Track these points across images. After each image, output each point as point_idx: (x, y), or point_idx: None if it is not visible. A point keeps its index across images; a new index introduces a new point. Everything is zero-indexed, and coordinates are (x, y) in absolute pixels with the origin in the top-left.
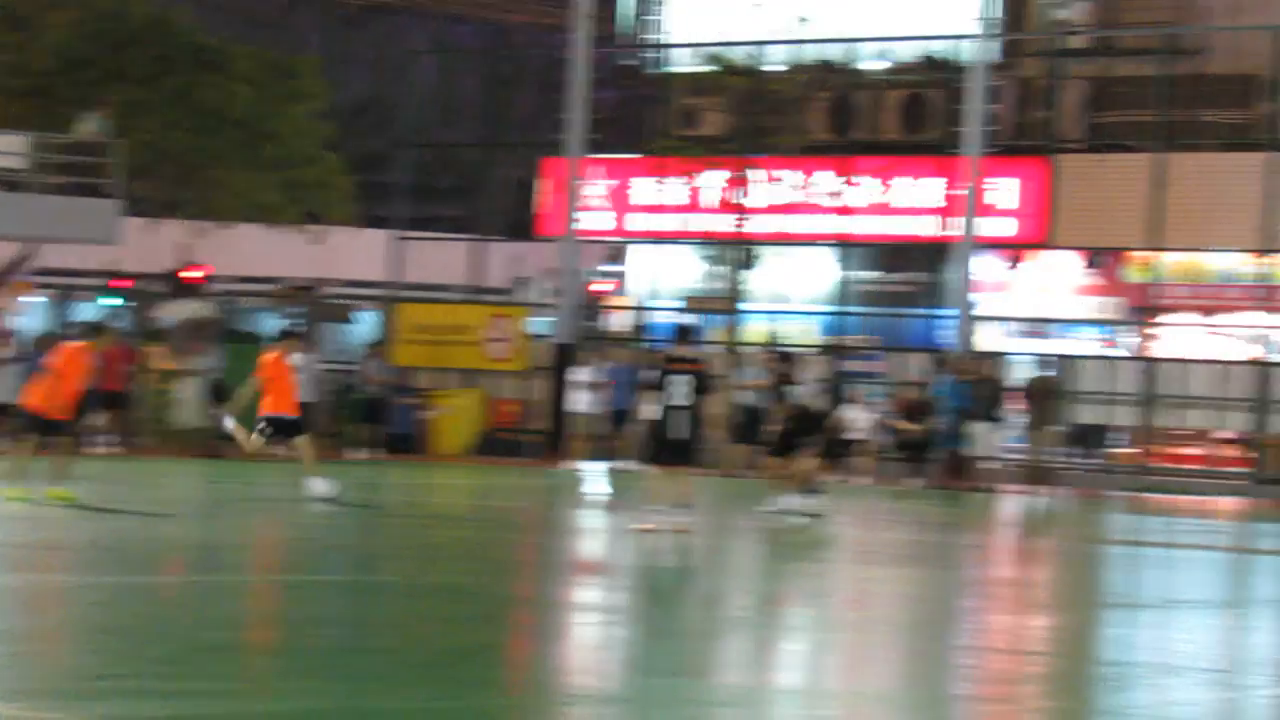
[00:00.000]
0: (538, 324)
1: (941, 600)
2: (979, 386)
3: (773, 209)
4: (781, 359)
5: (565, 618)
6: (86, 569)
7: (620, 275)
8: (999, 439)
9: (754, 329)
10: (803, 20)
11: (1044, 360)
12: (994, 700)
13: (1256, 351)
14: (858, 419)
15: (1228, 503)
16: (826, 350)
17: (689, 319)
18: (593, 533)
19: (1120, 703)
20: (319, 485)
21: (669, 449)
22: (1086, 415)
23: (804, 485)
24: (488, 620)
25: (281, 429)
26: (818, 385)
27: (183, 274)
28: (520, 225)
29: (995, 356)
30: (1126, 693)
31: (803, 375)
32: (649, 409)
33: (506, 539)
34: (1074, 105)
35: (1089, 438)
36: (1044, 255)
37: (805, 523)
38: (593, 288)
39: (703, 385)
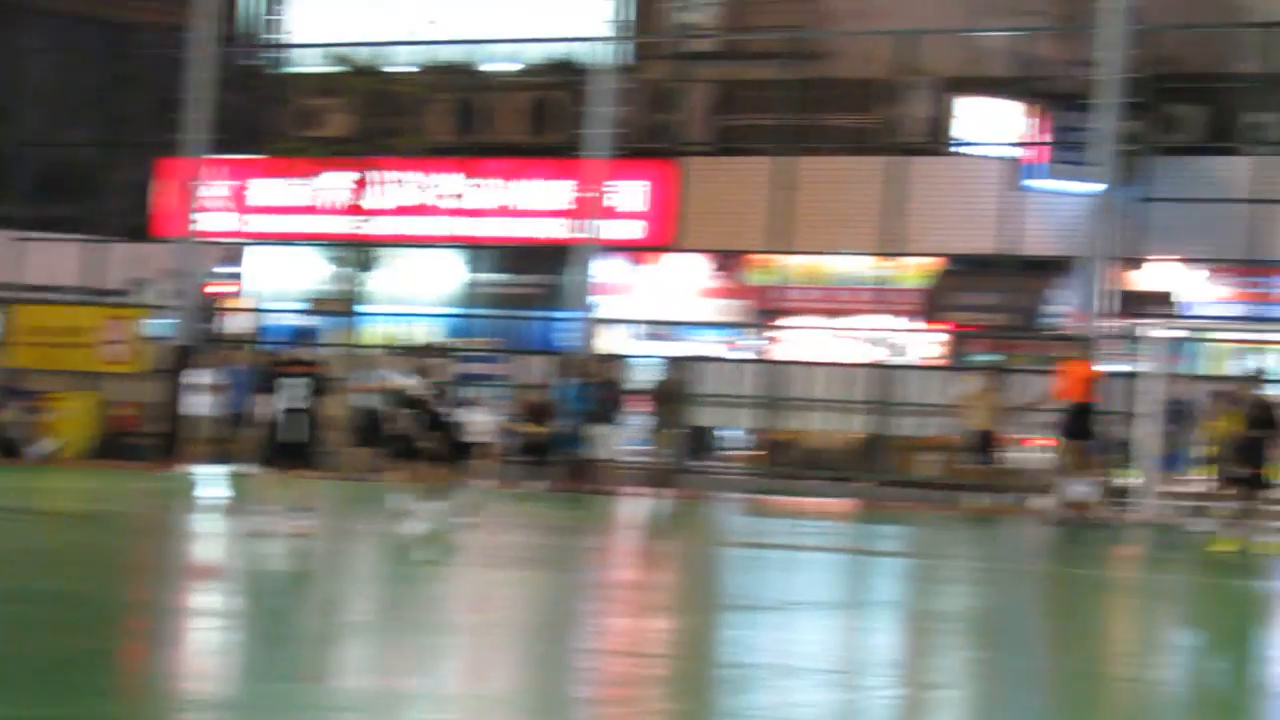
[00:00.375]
0: (156, 326)
1: (562, 603)
2: (600, 389)
3: (397, 210)
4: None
5: (180, 623)
6: None
7: (239, 277)
8: (620, 441)
9: (378, 331)
10: (431, 22)
11: (669, 363)
12: (614, 703)
13: (878, 354)
14: (480, 422)
15: (847, 504)
16: (446, 352)
17: (307, 322)
18: (209, 537)
19: (740, 704)
20: None
21: (285, 451)
22: (709, 418)
23: (427, 490)
24: (100, 626)
25: None
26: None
27: None
28: (140, 227)
29: (617, 359)
30: (747, 694)
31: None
32: (264, 411)
33: (120, 543)
34: (701, 108)
35: (703, 440)
36: (671, 258)
37: (427, 527)
38: (211, 289)
39: (319, 388)
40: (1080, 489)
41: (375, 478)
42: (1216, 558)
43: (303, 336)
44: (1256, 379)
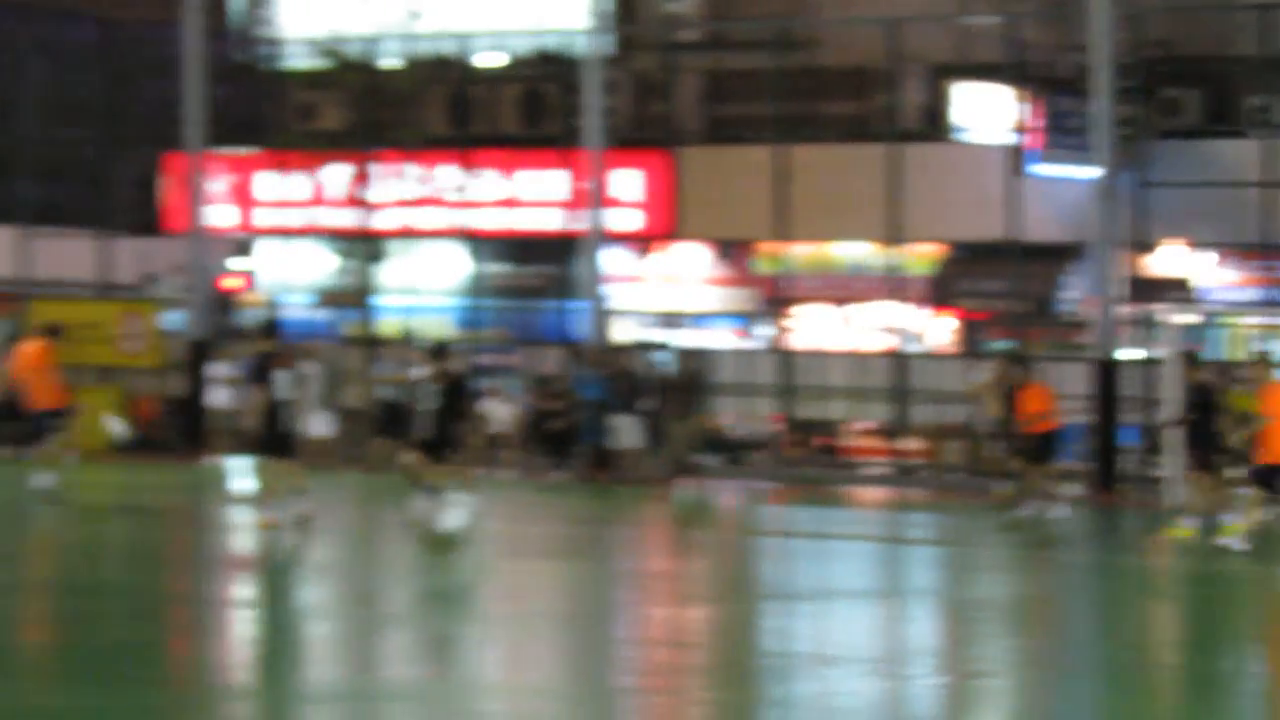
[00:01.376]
0: (171, 320)
1: (597, 593)
2: (617, 379)
3: (400, 203)
4: (435, 353)
5: (220, 613)
6: None
7: (250, 270)
8: (639, 431)
9: (388, 323)
10: (415, 15)
11: (684, 353)
12: (657, 692)
13: (891, 341)
14: (498, 413)
15: (876, 494)
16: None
17: (318, 314)
18: (242, 528)
19: (782, 693)
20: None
21: (278, 442)
22: (726, 408)
23: (449, 482)
24: (143, 617)
25: None
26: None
27: None
28: (147, 222)
29: (631, 349)
30: (788, 684)
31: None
32: (256, 403)
33: (156, 536)
34: (691, 98)
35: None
36: (675, 247)
37: (454, 518)
38: (223, 283)
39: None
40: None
41: (399, 469)
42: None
43: (315, 329)
44: (1192, 359)
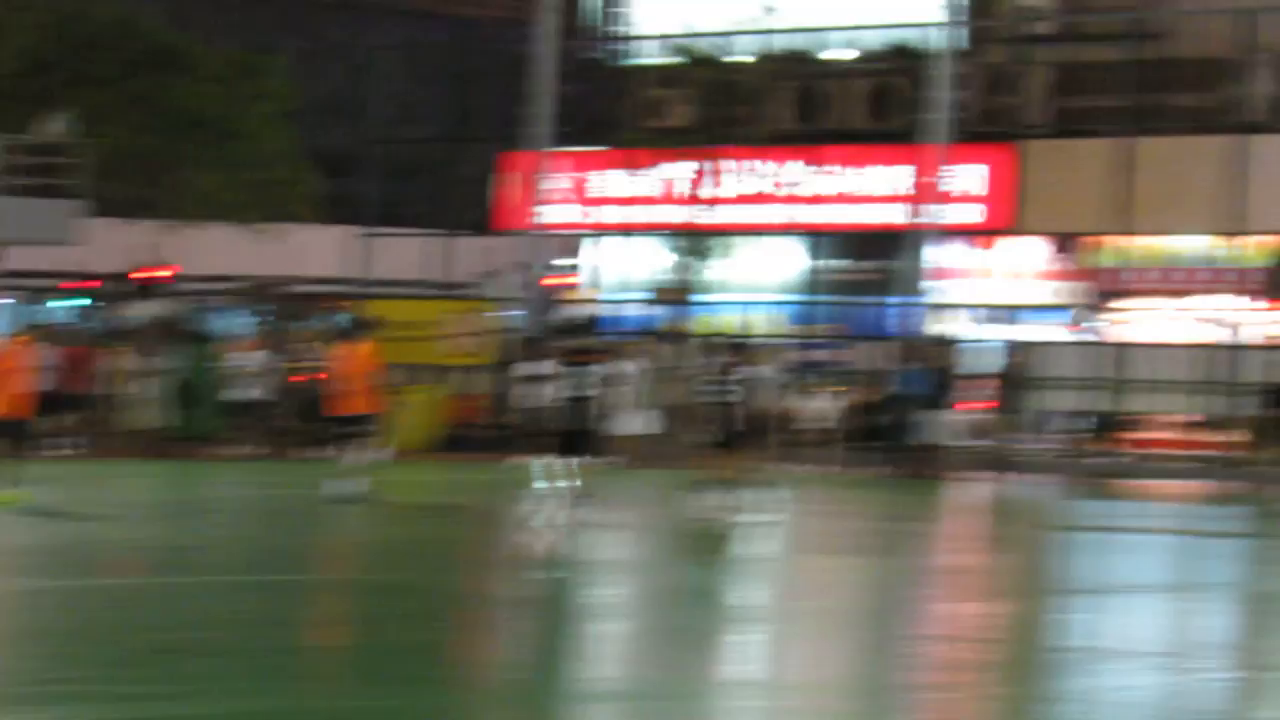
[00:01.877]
0: (504, 318)
1: (895, 589)
2: (937, 374)
3: (737, 199)
4: (733, 349)
5: (522, 614)
6: (38, 572)
7: (577, 268)
8: (957, 426)
9: (721, 319)
10: (769, 10)
11: (1010, 346)
12: (944, 688)
13: (1219, 334)
14: (822, 408)
15: (1195, 486)
16: (787, 339)
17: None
18: (549, 527)
19: (1069, 688)
20: None
21: (570, 440)
22: (1050, 401)
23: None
24: (446, 617)
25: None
26: (778, 374)
27: (137, 274)
28: (480, 220)
29: (953, 343)
30: (1076, 678)
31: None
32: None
33: (464, 535)
34: (1040, 91)
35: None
36: (1009, 241)
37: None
38: (547, 281)
39: (606, 376)
40: None
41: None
42: None
43: (649, 324)
44: None
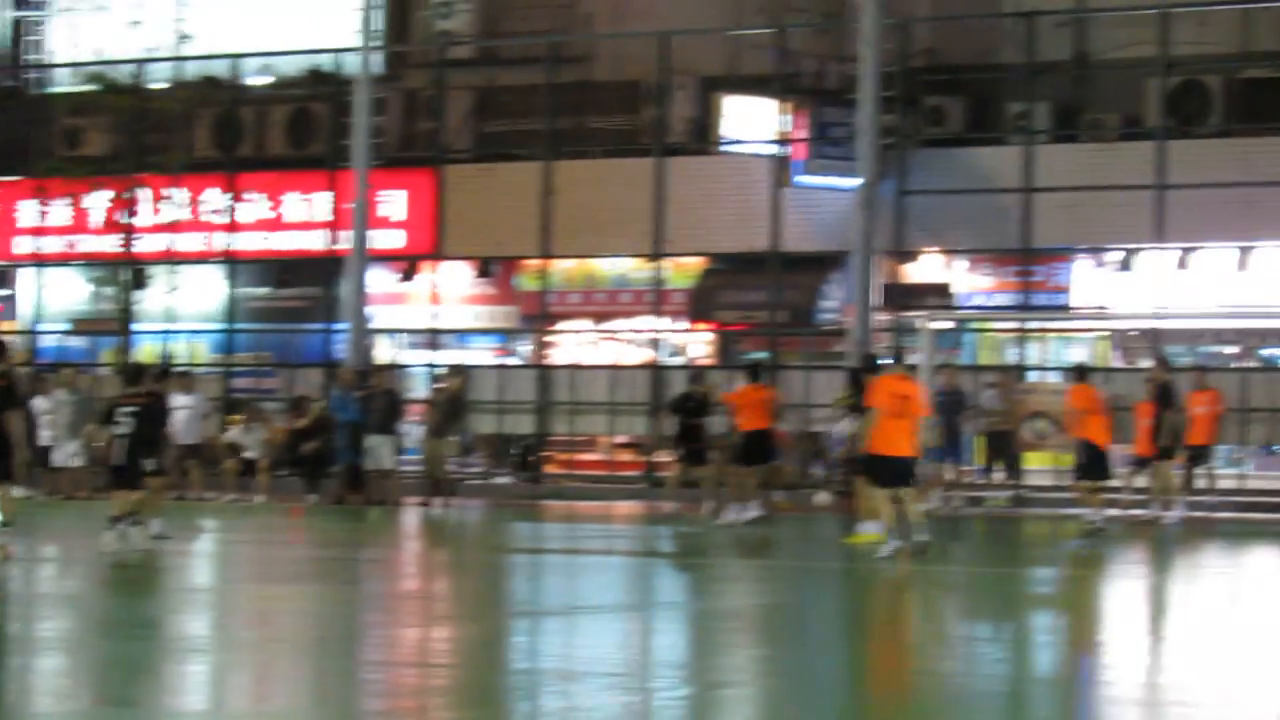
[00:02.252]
0: None
1: (346, 616)
2: (377, 399)
3: (163, 228)
4: (132, 376)
5: None
6: None
7: (9, 299)
8: (399, 452)
9: (147, 349)
10: (185, 38)
11: (446, 371)
12: (404, 714)
13: (649, 355)
14: (247, 437)
15: (626, 507)
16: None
17: (73, 342)
18: None
19: (528, 710)
20: None
21: None
22: (487, 425)
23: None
24: None
25: None
26: (201, 403)
27: None
28: None
29: (393, 368)
30: (534, 700)
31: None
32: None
33: None
34: (462, 115)
35: (480, 446)
36: (441, 265)
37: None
38: None
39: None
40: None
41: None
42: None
43: (67, 357)
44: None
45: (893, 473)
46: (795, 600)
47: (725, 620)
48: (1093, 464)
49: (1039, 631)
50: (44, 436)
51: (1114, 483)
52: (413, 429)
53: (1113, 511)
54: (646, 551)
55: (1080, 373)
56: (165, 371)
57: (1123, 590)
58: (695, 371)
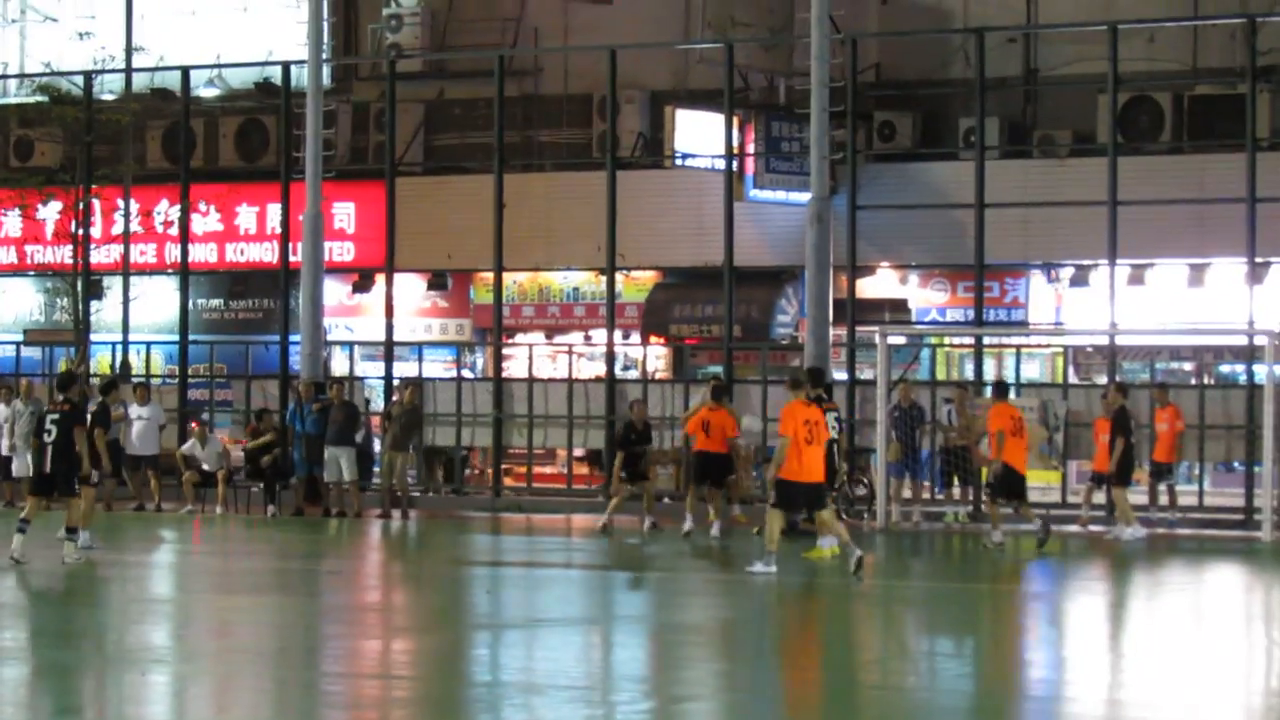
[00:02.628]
0: None
1: (304, 628)
2: (334, 411)
3: (112, 239)
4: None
5: None
6: None
7: None
8: (356, 464)
9: (101, 360)
10: (138, 49)
11: (402, 384)
12: None
13: (601, 368)
14: (205, 449)
15: (584, 520)
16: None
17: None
18: None
19: None
20: None
21: None
22: (443, 438)
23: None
24: None
25: None
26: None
27: None
28: None
29: (349, 381)
30: (494, 713)
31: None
32: None
33: None
34: (410, 128)
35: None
36: (394, 278)
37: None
38: None
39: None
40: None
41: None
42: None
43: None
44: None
45: (806, 499)
46: (749, 614)
47: (683, 634)
48: (1007, 485)
49: (988, 648)
50: (2, 446)
51: (1072, 499)
52: (373, 441)
53: (1073, 528)
54: (601, 565)
55: (1000, 390)
56: (113, 383)
57: (1081, 607)
58: (631, 403)
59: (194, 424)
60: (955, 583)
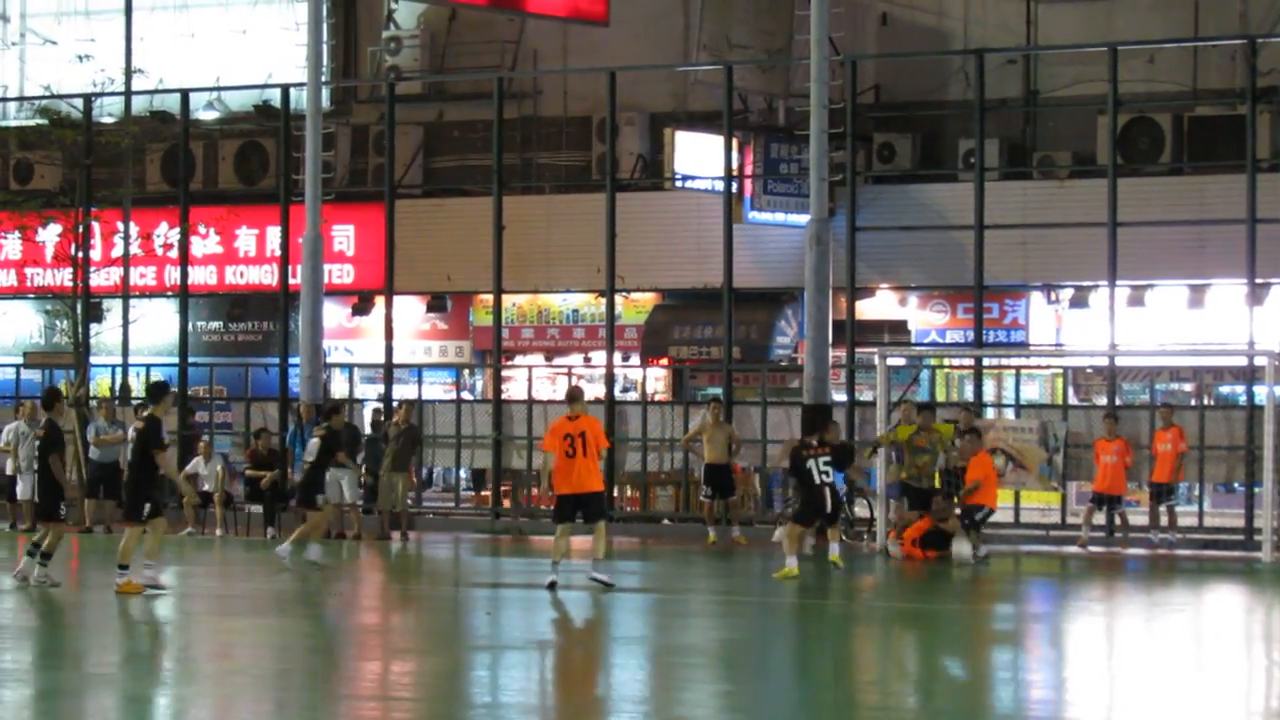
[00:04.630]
0: None
1: (309, 649)
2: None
3: (112, 261)
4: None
5: None
6: None
7: None
8: (356, 485)
9: (102, 383)
10: (138, 71)
11: (401, 405)
12: None
13: (601, 390)
14: (204, 471)
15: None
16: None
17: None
18: None
19: None
20: None
21: None
22: (442, 459)
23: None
24: None
25: None
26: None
27: None
28: None
29: (349, 403)
30: None
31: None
32: None
33: None
34: (410, 151)
35: (434, 481)
36: (395, 300)
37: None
38: None
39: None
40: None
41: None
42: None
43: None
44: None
45: (576, 508)
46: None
47: (684, 655)
48: (979, 521)
49: (987, 668)
50: (5, 468)
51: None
52: (370, 463)
53: (1073, 549)
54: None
55: (975, 436)
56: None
57: (1080, 627)
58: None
59: (200, 444)
60: (954, 604)
